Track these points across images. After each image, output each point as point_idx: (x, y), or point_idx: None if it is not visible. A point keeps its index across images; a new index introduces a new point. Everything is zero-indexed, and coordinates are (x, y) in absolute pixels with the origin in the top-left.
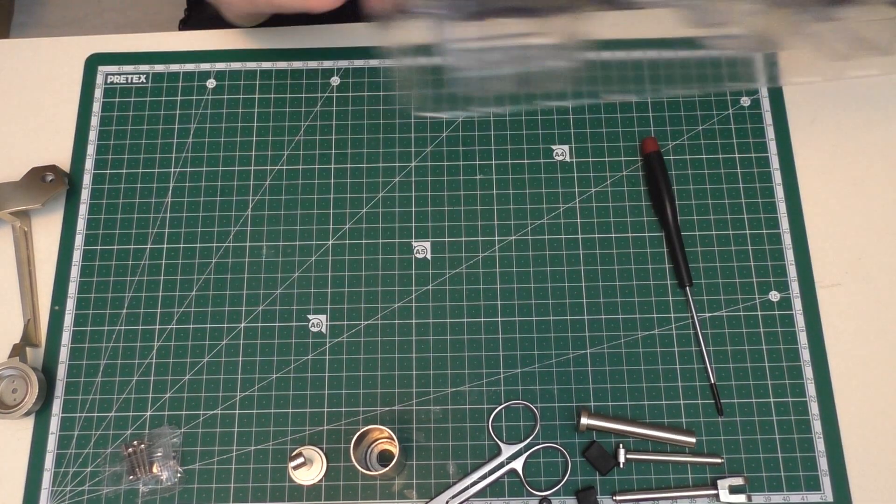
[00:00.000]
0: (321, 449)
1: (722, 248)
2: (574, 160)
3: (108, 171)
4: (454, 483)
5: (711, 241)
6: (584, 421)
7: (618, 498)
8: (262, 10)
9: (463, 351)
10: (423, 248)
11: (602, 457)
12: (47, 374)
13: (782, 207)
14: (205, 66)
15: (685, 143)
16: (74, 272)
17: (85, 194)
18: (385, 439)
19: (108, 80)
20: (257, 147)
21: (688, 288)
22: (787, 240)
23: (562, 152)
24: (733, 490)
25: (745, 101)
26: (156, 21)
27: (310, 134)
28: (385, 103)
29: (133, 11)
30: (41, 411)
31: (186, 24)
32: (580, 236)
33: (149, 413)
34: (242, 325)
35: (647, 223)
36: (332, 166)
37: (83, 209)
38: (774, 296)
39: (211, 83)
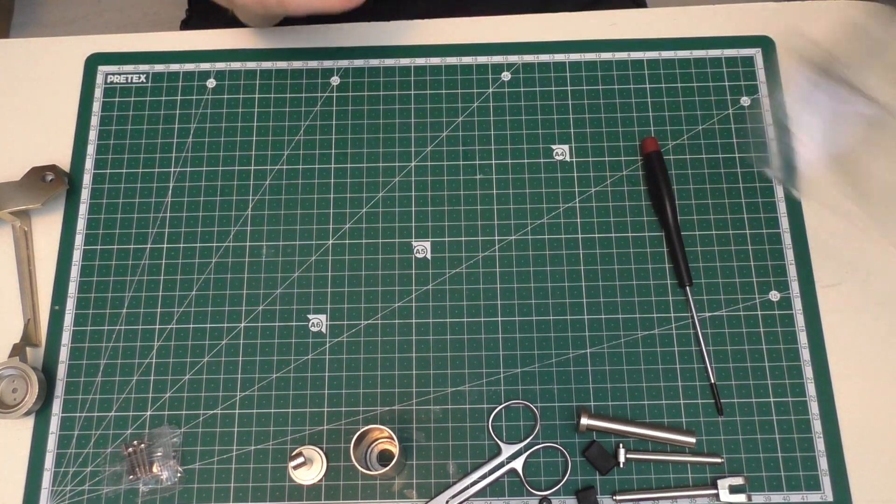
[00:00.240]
0: (321, 449)
1: (722, 248)
2: (574, 160)
3: (108, 171)
4: (454, 483)
5: (711, 241)
6: (584, 421)
7: (618, 498)
8: (275, 12)
9: (463, 351)
10: (423, 248)
11: (602, 456)
12: (47, 374)
13: (782, 207)
14: (205, 66)
15: (685, 143)
16: (74, 272)
17: (85, 194)
18: (385, 439)
19: (108, 80)
20: (257, 147)
21: (688, 288)
22: (787, 240)
23: (562, 152)
24: (733, 490)
25: (745, 101)
26: (156, 21)
27: (310, 134)
28: (385, 103)
29: (133, 11)
30: (41, 411)
31: (188, 25)
32: (580, 236)
33: (149, 413)
34: (242, 324)
35: (647, 223)
36: (332, 166)
37: (83, 209)
38: (774, 295)
39: (211, 83)
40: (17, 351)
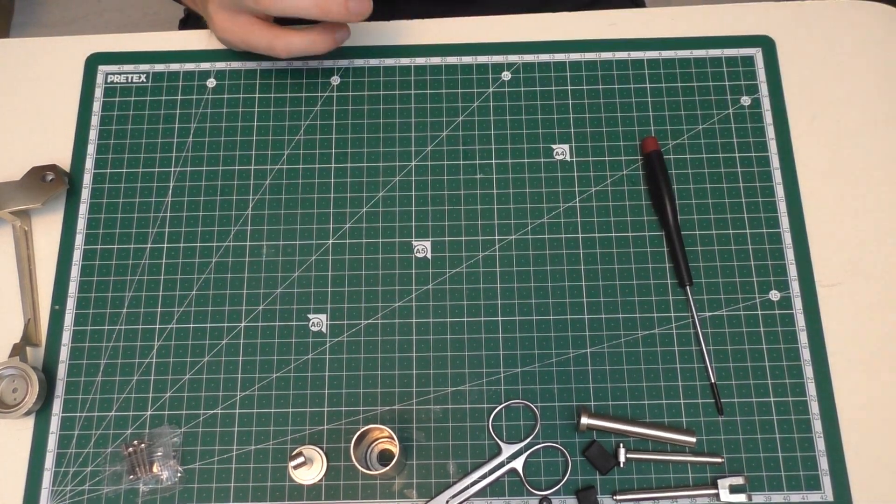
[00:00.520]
0: (321, 448)
1: (722, 248)
2: (574, 160)
3: (108, 171)
4: (454, 482)
5: (711, 240)
6: (585, 420)
7: (618, 497)
8: (264, 53)
9: (463, 350)
10: (423, 248)
11: (602, 456)
12: (47, 374)
13: (782, 207)
14: (205, 66)
15: (685, 143)
16: (74, 271)
17: (85, 194)
18: (385, 439)
19: (109, 80)
20: (257, 147)
21: (688, 287)
22: (787, 239)
23: (562, 152)
24: (734, 489)
25: (746, 101)
26: (156, 21)
27: (310, 134)
28: (385, 103)
29: (133, 11)
30: (41, 411)
31: (186, 24)
32: (580, 236)
33: (149, 413)
34: (242, 324)
35: (647, 223)
36: (332, 166)
37: (83, 209)
38: (775, 295)
39: (211, 83)
40: (18, 351)
